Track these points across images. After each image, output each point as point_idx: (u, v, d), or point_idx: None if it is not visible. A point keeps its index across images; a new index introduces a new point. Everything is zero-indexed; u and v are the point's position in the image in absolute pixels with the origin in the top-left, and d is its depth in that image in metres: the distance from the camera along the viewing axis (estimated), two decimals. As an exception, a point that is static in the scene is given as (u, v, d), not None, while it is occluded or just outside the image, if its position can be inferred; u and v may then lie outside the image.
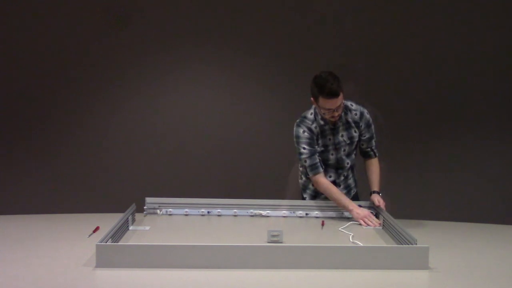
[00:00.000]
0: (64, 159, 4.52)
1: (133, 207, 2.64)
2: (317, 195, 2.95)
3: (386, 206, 2.75)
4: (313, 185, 2.91)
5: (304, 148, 2.74)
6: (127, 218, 2.50)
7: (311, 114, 2.80)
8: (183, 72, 4.56)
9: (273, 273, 1.97)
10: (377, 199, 2.78)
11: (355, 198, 2.98)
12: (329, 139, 2.81)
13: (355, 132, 2.84)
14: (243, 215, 2.83)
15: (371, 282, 1.93)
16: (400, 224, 2.35)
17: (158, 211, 2.83)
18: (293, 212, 2.80)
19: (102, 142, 4.56)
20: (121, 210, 2.54)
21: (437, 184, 4.58)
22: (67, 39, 4.45)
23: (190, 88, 4.59)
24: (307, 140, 2.74)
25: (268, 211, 2.81)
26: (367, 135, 2.89)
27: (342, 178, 2.91)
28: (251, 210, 2.83)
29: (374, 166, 2.93)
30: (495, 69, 4.51)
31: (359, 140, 2.89)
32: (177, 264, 1.99)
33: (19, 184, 4.45)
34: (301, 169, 2.97)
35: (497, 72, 4.52)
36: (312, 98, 2.71)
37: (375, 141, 2.94)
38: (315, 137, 2.77)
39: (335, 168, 2.88)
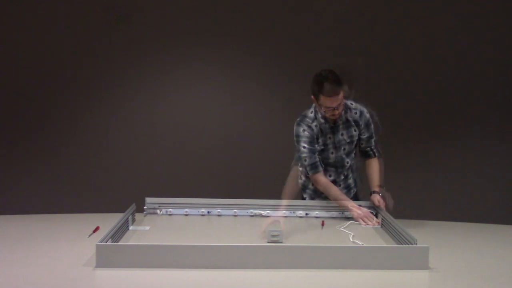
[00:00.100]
0: (64, 159, 4.52)
1: (133, 207, 2.64)
2: (316, 195, 2.95)
3: (391, 204, 2.75)
4: (313, 184, 2.91)
5: (304, 147, 2.74)
6: (127, 218, 2.50)
7: (311, 112, 2.80)
8: (183, 72, 4.56)
9: (273, 273, 1.97)
10: (377, 199, 2.77)
11: (355, 198, 2.98)
12: (329, 138, 2.81)
13: (355, 131, 2.84)
14: (243, 215, 2.83)
15: (371, 282, 1.93)
16: (400, 224, 2.35)
17: (158, 211, 2.83)
18: (293, 212, 2.80)
19: (102, 142, 4.56)
20: (121, 210, 2.53)
21: (437, 184, 4.58)
22: (67, 39, 4.45)
23: (190, 88, 4.59)
24: (307, 139, 2.74)
25: (268, 211, 2.81)
26: (367, 134, 2.89)
27: (342, 177, 2.91)
28: (251, 210, 2.83)
29: (374, 166, 2.91)
30: (495, 69, 4.51)
31: (359, 139, 2.89)
32: (177, 264, 1.99)
33: (19, 184, 4.45)
34: (300, 169, 2.97)
35: (497, 72, 4.52)
36: (312, 96, 2.71)
37: (374, 140, 2.94)
38: (315, 136, 2.76)
39: (335, 167, 2.88)
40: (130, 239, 2.36)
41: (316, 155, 2.76)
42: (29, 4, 4.41)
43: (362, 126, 2.85)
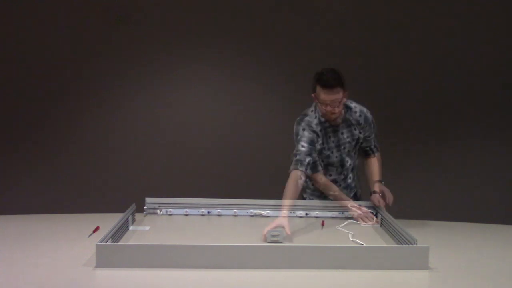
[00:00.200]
0: (64, 159, 4.52)
1: (133, 207, 2.63)
2: (315, 196, 2.95)
3: (391, 199, 2.76)
4: (313, 184, 2.91)
5: (302, 146, 2.71)
6: (127, 218, 2.50)
7: (312, 111, 2.79)
8: (183, 72, 4.56)
9: (273, 273, 1.97)
10: (377, 199, 2.78)
11: (356, 198, 2.98)
12: (330, 138, 2.80)
13: (356, 131, 2.84)
14: (243, 215, 2.82)
15: (371, 282, 1.93)
16: (400, 224, 2.35)
17: (158, 211, 2.83)
18: (293, 212, 2.80)
19: (102, 142, 4.56)
20: (121, 210, 2.53)
21: (437, 184, 4.58)
22: (67, 39, 4.45)
23: (190, 88, 4.59)
24: (307, 138, 2.72)
25: (268, 211, 2.81)
26: (368, 134, 2.89)
27: (342, 177, 2.91)
28: (251, 210, 2.83)
29: (373, 164, 2.93)
30: (495, 69, 4.51)
31: (359, 138, 2.89)
32: (177, 264, 1.99)
33: (19, 184, 4.45)
34: (300, 169, 2.95)
35: (497, 72, 4.52)
36: (312, 95, 2.71)
37: (375, 139, 2.94)
38: (316, 136, 2.74)
39: (335, 167, 2.88)
40: (130, 239, 2.36)
41: (315, 155, 2.75)
42: (29, 4, 4.41)
43: (364, 126, 2.85)
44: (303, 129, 2.75)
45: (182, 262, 1.99)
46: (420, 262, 2.04)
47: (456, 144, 4.57)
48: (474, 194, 4.52)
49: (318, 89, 2.64)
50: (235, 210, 2.83)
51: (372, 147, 2.95)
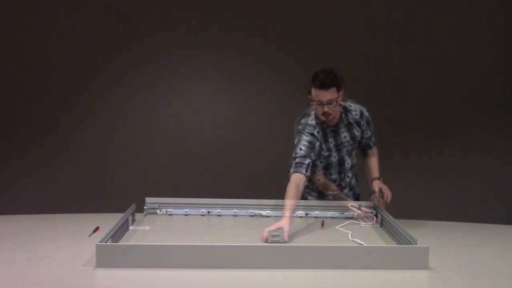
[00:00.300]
0: (64, 159, 4.52)
1: (133, 207, 2.63)
2: (315, 195, 2.95)
3: (389, 195, 2.75)
4: (313, 183, 2.92)
5: (301, 149, 2.69)
6: (127, 218, 2.50)
7: (312, 120, 2.77)
8: (183, 72, 4.57)
9: (273, 273, 1.97)
10: (377, 199, 2.78)
11: (356, 198, 2.99)
12: (329, 139, 2.80)
13: (357, 131, 2.84)
14: (243, 215, 2.82)
15: (371, 282, 1.93)
16: (400, 224, 2.35)
17: (158, 211, 2.83)
18: (293, 212, 2.79)
19: (102, 142, 4.56)
20: (121, 210, 2.53)
21: (437, 184, 4.58)
22: (67, 39, 4.45)
23: (190, 88, 4.59)
24: (307, 143, 2.70)
25: (268, 211, 2.81)
26: (369, 133, 2.90)
27: (342, 177, 2.90)
28: (251, 210, 2.83)
29: (372, 161, 2.95)
30: (495, 69, 4.52)
31: (361, 138, 2.89)
32: (177, 264, 1.99)
33: (19, 184, 4.45)
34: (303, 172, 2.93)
35: (497, 72, 4.52)
36: (309, 96, 2.70)
37: (373, 135, 2.95)
38: (314, 138, 2.72)
39: (335, 168, 2.88)
40: (130, 239, 2.36)
41: (314, 156, 2.72)
42: (29, 4, 4.41)
43: (364, 125, 2.85)
44: (302, 131, 2.73)
45: (182, 262, 1.99)
46: (420, 262, 2.03)
47: (456, 144, 4.57)
48: (474, 194, 4.52)
49: (313, 90, 2.63)
50: (235, 210, 2.83)
51: (370, 142, 2.97)
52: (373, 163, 2.95)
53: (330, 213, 2.81)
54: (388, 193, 2.78)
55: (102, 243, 2.02)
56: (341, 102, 2.74)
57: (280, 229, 2.31)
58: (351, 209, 2.77)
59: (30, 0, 4.42)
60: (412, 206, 4.11)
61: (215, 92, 4.60)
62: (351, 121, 2.82)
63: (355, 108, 2.84)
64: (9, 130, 4.46)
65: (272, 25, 4.50)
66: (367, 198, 2.88)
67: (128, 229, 2.50)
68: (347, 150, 2.85)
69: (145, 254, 1.99)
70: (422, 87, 4.55)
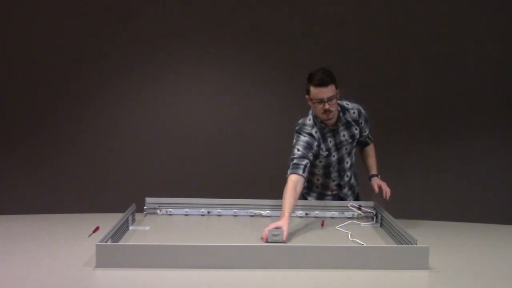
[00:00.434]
0: (64, 159, 4.52)
1: (133, 207, 2.63)
2: (320, 197, 2.95)
3: (388, 192, 2.75)
4: (317, 187, 2.92)
5: (298, 150, 2.70)
6: (127, 218, 2.50)
7: (310, 120, 2.77)
8: (183, 72, 4.57)
9: (273, 273, 1.97)
10: (378, 195, 2.79)
11: (357, 197, 2.99)
12: (330, 142, 2.79)
13: (356, 130, 2.84)
14: (243, 215, 2.83)
15: (371, 282, 1.93)
16: (400, 224, 2.35)
17: (158, 211, 2.83)
18: (293, 212, 2.79)
19: (102, 142, 4.56)
20: (121, 210, 2.53)
21: (437, 184, 4.58)
22: (67, 39, 4.45)
23: (190, 88, 4.59)
24: (305, 144, 2.70)
25: (268, 211, 2.81)
26: (367, 131, 2.91)
27: (342, 176, 2.90)
28: (251, 210, 2.83)
29: (370, 157, 2.98)
30: (496, 69, 4.52)
31: (360, 136, 2.89)
32: (177, 264, 1.99)
33: (19, 184, 4.45)
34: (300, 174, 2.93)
35: (497, 72, 4.52)
36: (306, 96, 2.69)
37: (370, 132, 2.96)
38: (315, 143, 2.72)
39: (336, 169, 2.87)
40: (130, 239, 2.36)
41: (312, 157, 2.71)
42: (29, 4, 4.41)
43: (363, 123, 2.86)
44: (299, 131, 2.75)
45: (182, 262, 1.99)
46: (420, 262, 2.03)
47: (456, 144, 4.57)
48: (474, 194, 4.52)
49: (312, 89, 2.63)
50: (235, 210, 2.83)
51: (368, 140, 2.99)
52: (371, 160, 2.97)
53: (330, 213, 2.81)
54: (387, 189, 2.78)
55: (102, 243, 2.02)
56: (338, 101, 2.74)
57: (279, 228, 2.31)
58: (351, 209, 2.77)
59: (30, 0, 4.42)
60: (412, 206, 4.12)
61: (215, 92, 4.60)
62: (349, 119, 2.82)
63: (352, 107, 2.84)
64: (9, 130, 4.46)
65: (272, 25, 4.50)
66: (367, 198, 2.88)
67: (128, 229, 2.50)
68: (346, 149, 2.85)
69: (145, 254, 1.99)
70: (422, 87, 4.55)
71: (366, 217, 2.77)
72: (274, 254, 2.02)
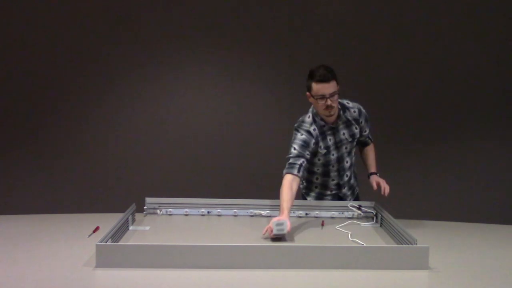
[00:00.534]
0: (64, 159, 4.52)
1: (133, 207, 2.64)
2: (319, 198, 2.95)
3: (387, 189, 2.75)
4: (316, 187, 2.92)
5: (294, 149, 2.70)
6: (127, 218, 2.50)
7: (309, 117, 2.77)
8: (183, 72, 4.57)
9: (273, 273, 1.97)
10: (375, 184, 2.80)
11: (357, 198, 2.99)
12: (330, 140, 2.80)
13: (356, 129, 2.84)
14: (243, 215, 2.83)
15: (371, 282, 1.93)
16: (400, 224, 2.35)
17: (158, 211, 2.83)
18: (293, 212, 2.80)
19: (102, 142, 4.56)
20: (121, 210, 2.53)
21: (437, 184, 4.58)
22: (67, 39, 4.45)
23: (190, 88, 4.59)
24: (301, 142, 2.70)
25: (268, 211, 2.81)
26: (367, 130, 2.91)
27: (341, 176, 2.90)
28: (251, 210, 2.83)
29: (369, 156, 2.98)
30: (496, 69, 4.52)
31: (360, 135, 2.89)
32: (177, 264, 1.99)
33: (19, 184, 4.45)
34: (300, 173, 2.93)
35: (498, 72, 4.52)
36: (307, 93, 2.69)
37: (370, 131, 2.97)
38: (313, 141, 2.72)
39: (335, 168, 2.87)
40: (130, 239, 2.36)
41: (308, 156, 2.71)
42: (29, 4, 4.41)
43: (363, 122, 2.86)
44: (297, 129, 2.75)
45: (182, 262, 1.99)
46: (420, 262, 2.04)
47: (456, 144, 4.57)
48: (474, 194, 4.52)
49: (314, 85, 2.63)
50: (235, 210, 2.83)
51: (367, 139, 2.99)
52: (371, 159, 2.98)
53: (330, 213, 2.81)
54: (385, 186, 2.78)
55: (102, 243, 2.02)
56: (339, 100, 2.75)
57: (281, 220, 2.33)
58: (351, 209, 2.77)
59: (30, 0, 4.42)
60: (412, 206, 4.13)
61: (215, 92, 4.60)
62: (350, 118, 2.82)
63: (353, 106, 2.84)
64: (9, 130, 4.46)
65: (272, 25, 4.50)
66: (367, 198, 2.88)
67: (128, 229, 2.50)
68: (346, 148, 2.85)
69: (145, 254, 1.99)
70: (422, 87, 4.56)
71: (366, 217, 2.77)
72: (274, 254, 2.02)
